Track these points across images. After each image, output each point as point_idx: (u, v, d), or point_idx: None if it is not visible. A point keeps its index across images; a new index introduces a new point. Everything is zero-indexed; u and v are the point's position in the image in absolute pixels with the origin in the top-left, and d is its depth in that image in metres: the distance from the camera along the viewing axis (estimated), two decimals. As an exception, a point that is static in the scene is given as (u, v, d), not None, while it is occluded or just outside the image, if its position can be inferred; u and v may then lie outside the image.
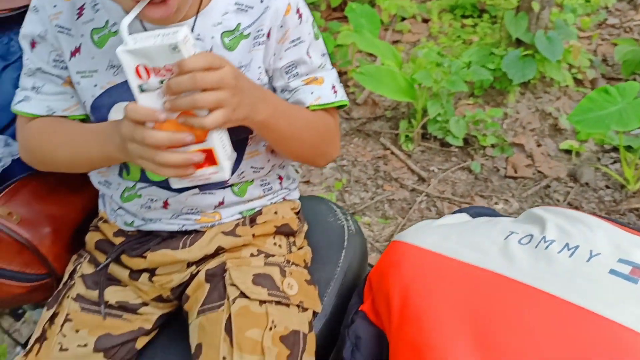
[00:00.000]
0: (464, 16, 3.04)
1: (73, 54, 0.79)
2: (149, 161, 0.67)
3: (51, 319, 0.88)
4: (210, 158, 0.69)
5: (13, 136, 0.91)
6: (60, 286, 0.92)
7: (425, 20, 3.06)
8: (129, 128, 0.66)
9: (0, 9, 0.94)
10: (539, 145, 2.39)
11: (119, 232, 0.92)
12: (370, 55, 2.72)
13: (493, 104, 2.52)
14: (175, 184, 0.74)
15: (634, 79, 2.48)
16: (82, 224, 0.98)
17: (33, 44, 0.80)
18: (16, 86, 0.87)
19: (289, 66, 0.85)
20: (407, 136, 2.40)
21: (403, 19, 3.02)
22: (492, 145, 2.36)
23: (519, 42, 2.48)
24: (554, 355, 0.62)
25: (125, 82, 0.71)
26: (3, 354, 1.72)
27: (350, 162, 2.38)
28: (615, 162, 2.23)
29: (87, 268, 0.93)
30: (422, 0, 3.21)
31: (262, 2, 0.80)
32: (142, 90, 0.64)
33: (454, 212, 0.88)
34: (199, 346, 0.83)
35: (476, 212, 0.86)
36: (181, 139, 0.65)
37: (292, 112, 0.83)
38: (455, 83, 2.29)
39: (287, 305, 0.85)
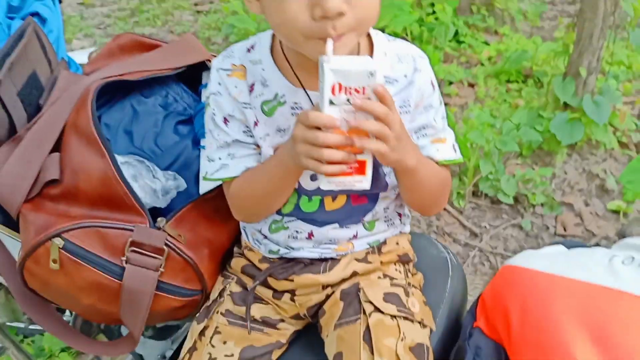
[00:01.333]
0: (508, 81, 3.19)
1: (255, 124, 0.94)
2: (313, 158, 0.78)
3: (202, 332, 1.01)
4: (360, 169, 0.81)
5: (178, 172, 1.07)
6: (210, 302, 1.05)
7: (472, 85, 3.22)
8: (303, 130, 0.78)
9: (164, 68, 1.11)
10: (587, 205, 2.47)
11: (264, 259, 1.05)
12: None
13: (541, 164, 2.63)
14: (325, 185, 0.82)
15: (679, 143, 2.57)
16: (228, 248, 1.12)
17: (225, 121, 0.94)
18: (175, 132, 1.05)
19: (419, 128, 0.98)
20: (459, 193, 2.51)
21: (450, 83, 3.19)
22: (542, 204, 2.45)
23: (565, 106, 2.61)
24: None
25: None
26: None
27: (405, 216, 2.49)
28: (664, 222, 2.31)
29: (234, 287, 1.06)
30: (467, 66, 3.38)
31: (405, 76, 0.94)
32: (331, 103, 0.76)
33: (551, 244, 1.00)
34: (339, 354, 0.94)
35: (570, 245, 0.98)
36: (348, 143, 0.77)
37: (428, 164, 0.96)
38: (507, 143, 2.42)
39: (412, 321, 0.97)
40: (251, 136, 0.95)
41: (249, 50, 0.95)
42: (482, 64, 3.37)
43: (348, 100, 0.75)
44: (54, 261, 0.95)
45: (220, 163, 0.96)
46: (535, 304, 0.84)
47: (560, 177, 2.57)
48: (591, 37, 2.48)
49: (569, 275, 0.85)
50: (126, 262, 0.96)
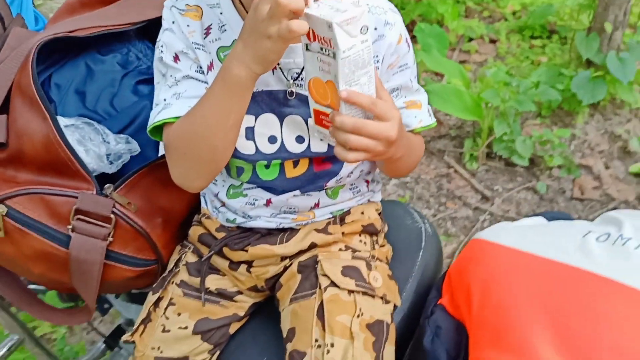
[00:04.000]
0: (532, 37, 3.03)
1: (209, 68, 0.86)
2: (277, 30, 0.67)
3: (156, 303, 0.98)
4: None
5: (131, 136, 1.01)
6: (166, 273, 1.01)
7: (493, 41, 3.06)
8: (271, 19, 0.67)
9: (122, 23, 1.04)
10: (607, 168, 2.34)
11: (221, 228, 1.00)
12: (437, 74, 2.75)
13: (561, 124, 2.49)
14: (315, 132, 0.78)
15: None
16: (186, 217, 1.07)
17: (176, 58, 0.86)
18: (134, 92, 0.97)
19: (394, 89, 0.92)
20: (471, 155, 2.41)
21: (470, 39, 3.04)
22: (559, 166, 2.34)
23: (589, 63, 2.46)
24: (628, 339, 0.65)
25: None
26: (82, 349, 1.83)
27: (413, 179, 2.40)
28: (690, 186, 2.17)
29: (190, 257, 1.02)
30: (490, 21, 3.21)
31: (375, 29, 0.86)
32: (307, 49, 0.71)
33: (530, 216, 0.92)
34: (292, 330, 0.90)
35: (552, 216, 0.90)
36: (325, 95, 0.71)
37: (410, 142, 0.88)
38: (523, 102, 2.28)
39: (373, 296, 0.91)
40: (204, 76, 0.86)
41: None
42: (506, 19, 3.19)
43: (321, 48, 0.68)
44: (-1, 229, 0.91)
45: (164, 104, 0.85)
46: (498, 283, 0.76)
47: (580, 139, 2.43)
48: (619, -12, 2.30)
49: (537, 253, 0.77)
50: (72, 231, 0.91)
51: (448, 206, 2.28)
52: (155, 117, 0.85)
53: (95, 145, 0.92)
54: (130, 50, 1.09)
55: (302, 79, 0.86)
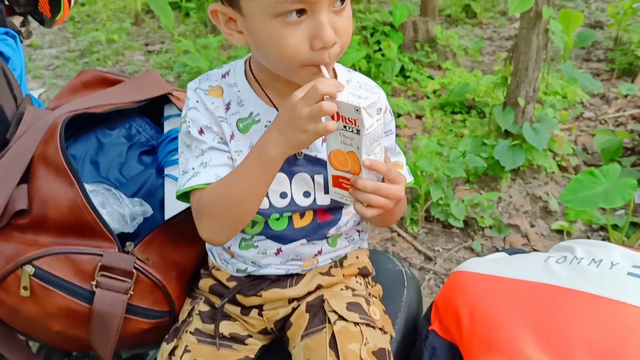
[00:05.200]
0: (453, 112, 3.36)
1: (231, 137, 0.99)
2: (314, 120, 0.81)
3: (172, 352, 1.04)
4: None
5: (143, 199, 1.11)
6: (179, 323, 1.09)
7: (419, 117, 3.37)
8: (305, 100, 0.82)
9: (127, 101, 1.16)
10: (532, 226, 2.60)
11: (232, 278, 1.10)
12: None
13: (488, 189, 2.76)
14: (332, 194, 0.92)
15: (612, 165, 2.76)
16: (194, 270, 1.16)
17: (201, 132, 0.98)
18: (139, 162, 1.09)
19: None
20: (412, 219, 2.61)
21: (399, 115, 3.33)
22: (490, 227, 2.57)
23: (507, 134, 2.77)
24: (595, 333, 0.82)
25: None
26: None
27: (361, 243, 2.56)
28: (603, 239, 2.45)
29: (203, 307, 1.10)
30: (414, 99, 3.54)
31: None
32: None
33: (494, 253, 1.10)
34: None
35: (511, 251, 1.08)
36: (346, 166, 0.86)
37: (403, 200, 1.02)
38: (454, 170, 2.54)
39: (374, 327, 1.04)
40: (226, 147, 0.99)
41: (224, 76, 1.02)
42: (428, 97, 3.54)
43: (345, 126, 0.83)
44: (25, 288, 0.97)
45: (192, 172, 0.97)
46: (482, 304, 0.92)
47: (506, 201, 2.70)
48: (527, 69, 2.65)
49: (511, 276, 0.94)
50: (96, 287, 0.99)
51: (395, 267, 2.44)
52: (185, 183, 0.97)
53: (117, 207, 1.02)
54: (132, 125, 1.22)
55: None
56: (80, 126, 1.16)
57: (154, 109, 1.27)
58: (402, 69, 3.67)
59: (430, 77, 3.71)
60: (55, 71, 4.42)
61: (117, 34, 4.91)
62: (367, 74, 3.52)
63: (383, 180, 0.89)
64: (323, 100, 0.81)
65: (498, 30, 4.85)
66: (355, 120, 0.81)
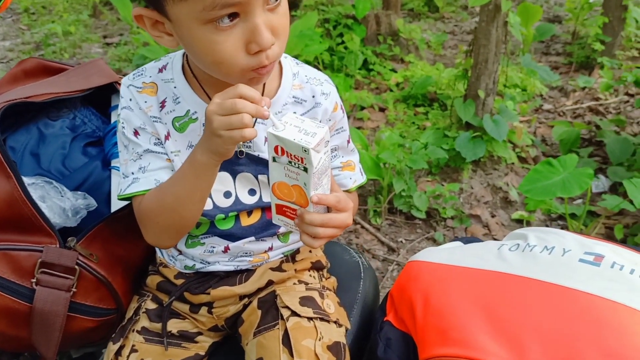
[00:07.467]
0: (415, 105, 3.37)
1: (166, 137, 0.95)
2: (232, 128, 0.78)
3: (118, 352, 1.00)
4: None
5: (87, 193, 1.06)
6: (125, 322, 1.05)
7: (382, 109, 3.36)
8: (219, 103, 0.79)
9: (71, 90, 1.11)
10: (493, 216, 2.63)
11: (179, 275, 1.06)
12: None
13: (449, 180, 2.77)
14: (276, 220, 0.89)
15: (571, 156, 2.80)
16: (142, 266, 1.12)
17: (136, 133, 0.94)
18: (84, 153, 1.04)
19: (333, 149, 1.05)
20: (375, 211, 2.61)
21: (362, 108, 3.32)
22: (452, 217, 2.59)
23: (468, 126, 2.78)
24: (545, 320, 0.81)
25: None
26: None
27: (324, 236, 2.54)
28: (562, 228, 2.48)
29: (150, 305, 1.06)
30: (377, 92, 3.53)
31: (313, 97, 1.00)
32: (274, 161, 0.81)
33: (450, 242, 1.08)
34: None
35: (467, 240, 1.07)
36: (291, 199, 0.84)
37: (351, 209, 0.95)
38: (416, 161, 2.54)
39: (328, 321, 1.01)
40: (162, 148, 0.96)
41: (160, 70, 0.97)
42: (391, 90, 3.53)
43: (290, 162, 0.80)
44: (-41, 287, 0.92)
45: (132, 178, 0.94)
46: (436, 293, 0.91)
47: (467, 192, 2.72)
48: (486, 62, 2.66)
49: (465, 265, 0.93)
50: (36, 284, 0.94)
51: (358, 259, 2.43)
52: (125, 189, 0.94)
53: (57, 201, 0.97)
54: (77, 116, 1.17)
55: (250, 140, 0.96)
56: (19, 116, 1.10)
57: (101, 99, 1.21)
58: (365, 62, 3.66)
59: (393, 70, 3.70)
60: (9, 64, 4.27)
61: (74, 26, 4.78)
62: (330, 66, 3.51)
63: (330, 210, 0.87)
64: (239, 98, 0.78)
65: (460, 24, 4.89)
66: (302, 158, 0.78)
